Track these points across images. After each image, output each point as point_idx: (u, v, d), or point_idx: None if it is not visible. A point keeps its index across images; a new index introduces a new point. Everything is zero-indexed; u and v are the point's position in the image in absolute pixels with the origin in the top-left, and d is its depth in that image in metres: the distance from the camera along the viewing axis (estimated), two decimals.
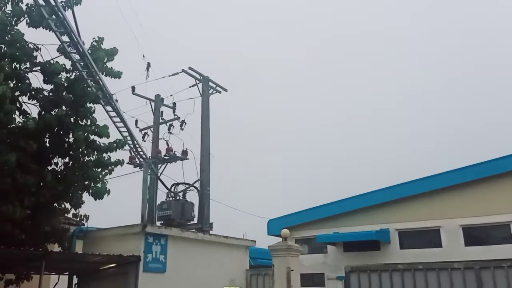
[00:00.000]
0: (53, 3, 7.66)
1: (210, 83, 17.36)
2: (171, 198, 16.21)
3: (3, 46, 10.09)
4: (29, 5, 10.43)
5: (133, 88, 17.13)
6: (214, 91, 17.50)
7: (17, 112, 10.15)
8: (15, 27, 10.40)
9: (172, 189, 16.39)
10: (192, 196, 16.31)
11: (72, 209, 11.39)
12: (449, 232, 14.68)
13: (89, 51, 10.75)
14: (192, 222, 15.89)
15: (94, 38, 11.31)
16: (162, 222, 15.75)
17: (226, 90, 17.89)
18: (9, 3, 10.52)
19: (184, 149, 17.10)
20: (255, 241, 15.61)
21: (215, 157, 16.65)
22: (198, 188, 16.09)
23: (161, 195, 16.68)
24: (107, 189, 11.40)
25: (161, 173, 17.01)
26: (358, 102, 45.39)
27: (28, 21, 10.53)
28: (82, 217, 11.53)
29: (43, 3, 7.77)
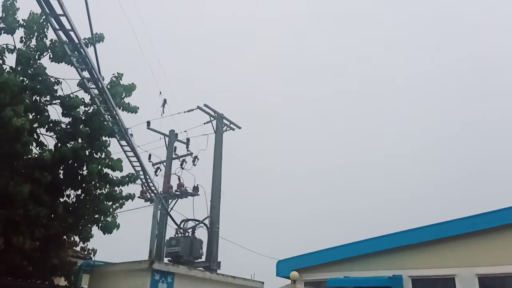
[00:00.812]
0: (76, 41, 7.92)
1: (224, 120, 17.54)
2: (180, 234, 16.05)
3: (25, 79, 10.39)
4: (53, 41, 10.84)
5: (148, 123, 17.37)
6: (228, 128, 17.64)
7: (34, 144, 10.32)
8: (38, 61, 10.75)
9: (182, 225, 16.26)
10: (201, 233, 16.15)
11: (81, 243, 11.36)
12: (464, 281, 14.16)
13: (108, 86, 11.01)
14: (200, 260, 15.64)
15: (114, 73, 11.63)
16: (170, 258, 15.53)
17: (240, 128, 18.03)
18: (34, 38, 10.93)
19: (196, 185, 17.09)
20: (263, 282, 15.25)
21: (225, 194, 16.58)
22: (208, 225, 15.94)
23: (170, 231, 16.56)
24: (117, 224, 11.38)
25: (171, 209, 16.95)
26: (371, 146, 45.30)
27: (51, 56, 10.92)
28: (90, 251, 11.48)
29: (67, 40, 8.02)
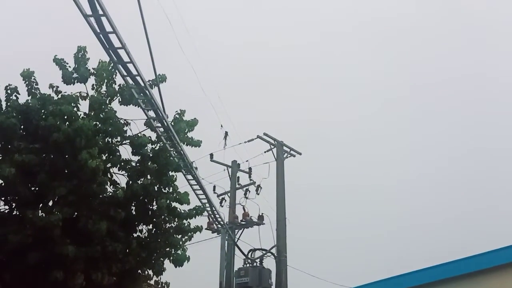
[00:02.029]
0: (142, 84, 8.42)
1: (284, 148, 17.62)
2: (248, 265, 16.07)
3: (98, 123, 11.13)
4: (121, 86, 11.58)
5: (211, 155, 17.84)
6: (289, 155, 17.69)
7: (108, 183, 10.94)
8: (109, 106, 11.50)
9: (249, 255, 16.30)
10: (269, 262, 16.08)
11: (154, 276, 11.71)
12: None
13: (172, 123, 11.51)
14: None
15: (177, 111, 12.15)
16: None
17: (300, 154, 18.00)
18: (104, 84, 11.74)
19: (260, 214, 17.18)
20: None
21: (291, 222, 16.47)
22: (275, 254, 15.85)
23: (238, 262, 16.64)
24: (187, 256, 11.66)
25: (238, 239, 17.08)
26: (438, 158, 43.22)
27: (120, 100, 11.65)
28: (164, 285, 11.78)
29: (134, 84, 8.55)
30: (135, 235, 11.30)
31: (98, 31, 6.79)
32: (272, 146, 17.52)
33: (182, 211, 11.83)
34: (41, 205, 10.21)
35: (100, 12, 6.45)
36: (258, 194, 17.44)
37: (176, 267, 11.48)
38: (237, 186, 18.24)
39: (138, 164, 11.57)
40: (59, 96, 11.02)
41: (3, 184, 9.96)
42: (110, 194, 10.93)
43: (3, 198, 10.20)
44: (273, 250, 16.00)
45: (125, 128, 11.57)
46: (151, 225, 11.53)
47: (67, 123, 10.31)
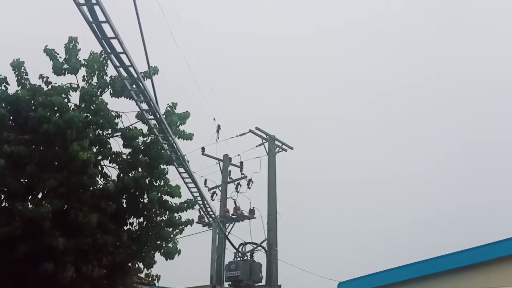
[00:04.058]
0: (135, 75, 8.35)
1: (276, 142, 17.64)
2: (239, 258, 16.12)
3: (88, 115, 11.01)
4: (112, 77, 11.46)
5: (203, 149, 17.81)
6: (280, 150, 17.72)
7: (99, 175, 10.85)
8: (100, 97, 11.38)
9: (240, 249, 16.33)
10: (260, 256, 16.14)
11: (145, 269, 11.67)
12: None
13: (164, 116, 11.43)
14: (260, 284, 15.59)
15: (169, 103, 12.07)
16: (230, 283, 15.60)
17: (292, 148, 18.06)
18: (95, 76, 11.61)
19: (251, 208, 17.22)
20: None
21: (282, 216, 16.54)
22: (266, 248, 15.90)
23: (229, 255, 16.67)
24: (178, 249, 11.63)
25: (229, 232, 17.13)
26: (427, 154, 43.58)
27: (111, 92, 11.53)
28: (154, 277, 11.75)
29: (126, 76, 8.48)
30: (126, 227, 11.23)
31: (91, 20, 6.71)
32: (264, 140, 17.54)
33: (174, 204, 11.77)
34: (30, 197, 10.10)
35: (93, 1, 6.37)
36: (250, 188, 17.50)
37: (167, 260, 11.44)
38: (228, 180, 18.24)
39: (129, 157, 11.48)
40: (50, 87, 10.87)
41: None
42: (101, 186, 10.84)
43: None
44: (264, 244, 16.06)
45: (116, 120, 11.46)
46: (142, 218, 11.47)
47: (58, 114, 10.18)
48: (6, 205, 10.03)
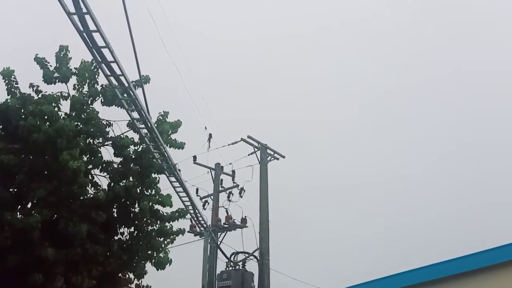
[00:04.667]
0: (126, 84, 8.33)
1: (268, 151, 17.63)
2: (230, 268, 16.02)
3: (79, 124, 10.97)
4: (103, 86, 11.44)
5: (194, 157, 17.73)
6: (272, 158, 17.71)
7: (89, 184, 10.78)
8: (91, 106, 11.34)
9: (232, 258, 16.24)
10: (252, 265, 16.04)
11: (135, 280, 11.56)
12: None
13: (155, 124, 11.41)
14: None
15: (160, 112, 12.06)
16: None
17: (284, 157, 18.04)
18: (86, 84, 11.58)
19: (243, 217, 17.13)
20: None
21: (274, 224, 16.48)
22: (258, 257, 15.83)
23: (221, 264, 16.56)
24: (169, 259, 11.55)
25: (221, 242, 17.01)
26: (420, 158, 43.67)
27: (102, 100, 11.50)
28: None
29: (117, 85, 8.46)
30: (116, 237, 11.15)
31: (82, 29, 6.70)
32: (256, 149, 17.51)
33: (165, 214, 11.72)
34: (20, 206, 10.03)
35: (84, 10, 6.37)
36: (242, 197, 17.40)
37: (158, 270, 11.36)
38: (220, 189, 18.16)
39: (120, 166, 11.44)
40: (40, 95, 10.84)
41: None
42: (91, 196, 10.77)
43: None
44: (256, 253, 15.98)
45: (107, 129, 11.44)
46: (132, 227, 11.39)
47: (48, 123, 10.14)
48: None
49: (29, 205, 10.12)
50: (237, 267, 16.01)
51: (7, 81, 10.70)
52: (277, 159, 17.83)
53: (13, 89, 10.72)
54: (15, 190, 10.14)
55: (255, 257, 15.92)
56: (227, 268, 16.08)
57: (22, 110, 10.37)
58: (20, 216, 9.51)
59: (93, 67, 11.39)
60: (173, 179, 12.33)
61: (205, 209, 17.67)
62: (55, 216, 9.89)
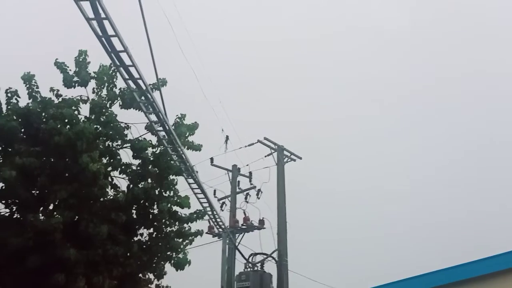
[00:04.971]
0: (144, 87, 8.42)
1: (285, 152, 17.61)
2: (249, 269, 16.02)
3: (98, 127, 11.14)
4: (121, 89, 11.60)
5: (211, 159, 17.81)
6: (289, 160, 17.68)
7: (109, 186, 10.93)
8: (109, 109, 11.51)
9: (250, 259, 16.24)
10: (270, 267, 16.02)
11: (155, 280, 11.68)
12: None
13: (173, 127, 11.51)
14: None
15: (177, 115, 12.16)
16: None
17: (300, 158, 17.98)
18: (105, 88, 11.76)
19: (261, 218, 17.13)
20: None
21: (292, 225, 16.45)
22: (276, 258, 15.80)
23: (239, 265, 16.58)
24: (188, 260, 11.64)
25: (239, 243, 17.03)
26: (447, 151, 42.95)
27: (121, 103, 11.66)
28: None
29: (135, 88, 8.56)
30: (136, 238, 11.29)
31: (100, 34, 6.80)
32: (273, 151, 17.50)
33: (183, 215, 11.82)
34: (41, 208, 10.22)
35: (103, 15, 6.47)
36: (259, 198, 17.41)
37: (177, 270, 11.47)
38: (237, 190, 18.20)
39: (138, 168, 11.57)
40: (60, 99, 11.04)
41: (3, 187, 9.96)
42: (111, 197, 10.93)
43: (3, 201, 10.17)
44: (274, 254, 15.95)
45: (125, 132, 11.59)
46: (152, 228, 11.52)
47: (68, 126, 10.33)
48: (18, 216, 10.14)
49: (50, 207, 10.32)
50: (255, 268, 16.00)
51: (28, 86, 10.93)
52: (294, 160, 17.79)
53: (34, 93, 10.94)
54: (37, 192, 10.34)
55: (273, 258, 15.89)
56: (246, 269, 16.08)
57: (43, 114, 10.58)
58: (42, 217, 9.69)
59: (111, 71, 11.55)
60: (191, 180, 12.41)
61: (222, 211, 17.74)
62: (76, 217, 10.05)
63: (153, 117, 10.27)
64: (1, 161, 9.95)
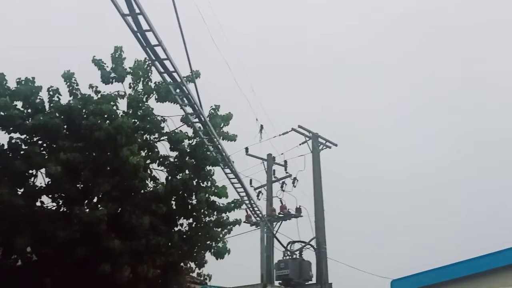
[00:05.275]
0: (178, 80, 8.53)
1: (320, 139, 17.48)
2: (287, 257, 16.10)
3: (136, 121, 11.39)
4: (156, 83, 11.80)
5: (246, 149, 17.93)
6: (324, 147, 17.54)
7: (148, 179, 11.19)
8: (146, 103, 11.74)
9: (288, 247, 16.32)
10: (309, 254, 16.05)
11: (197, 269, 11.94)
12: None
13: (208, 118, 11.62)
14: (310, 282, 15.51)
15: (212, 106, 12.27)
16: (280, 281, 15.62)
17: (336, 145, 17.82)
18: (140, 82, 11.99)
19: (298, 206, 17.17)
20: None
21: (329, 213, 16.39)
22: (315, 246, 15.80)
23: (278, 254, 16.69)
24: (228, 249, 11.80)
25: (277, 231, 17.13)
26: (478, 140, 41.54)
27: (156, 97, 11.87)
28: (206, 276, 11.99)
29: (171, 81, 8.68)
30: (176, 228, 11.54)
31: (136, 29, 6.93)
32: (307, 138, 17.42)
33: (221, 205, 11.97)
34: (86, 201, 10.58)
35: (137, 11, 6.58)
36: (295, 187, 17.44)
37: (217, 259, 11.66)
38: (273, 179, 18.26)
39: (176, 160, 11.78)
40: (99, 95, 11.35)
41: (50, 182, 10.37)
42: (151, 189, 11.19)
43: (50, 196, 10.60)
44: (312, 242, 15.96)
45: (162, 125, 11.80)
46: (191, 219, 11.74)
47: (108, 121, 10.62)
48: (65, 209, 10.55)
49: (95, 200, 10.68)
50: (294, 256, 16.07)
51: (68, 83, 11.28)
52: (329, 147, 17.65)
53: (74, 91, 11.29)
54: (82, 185, 10.71)
55: (311, 246, 15.91)
56: (284, 257, 16.19)
57: (84, 110, 10.91)
58: (87, 210, 10.04)
59: (146, 66, 11.75)
60: (227, 170, 12.53)
61: (259, 200, 17.89)
62: (119, 209, 10.36)
63: (188, 109, 10.41)
64: (46, 157, 10.33)
